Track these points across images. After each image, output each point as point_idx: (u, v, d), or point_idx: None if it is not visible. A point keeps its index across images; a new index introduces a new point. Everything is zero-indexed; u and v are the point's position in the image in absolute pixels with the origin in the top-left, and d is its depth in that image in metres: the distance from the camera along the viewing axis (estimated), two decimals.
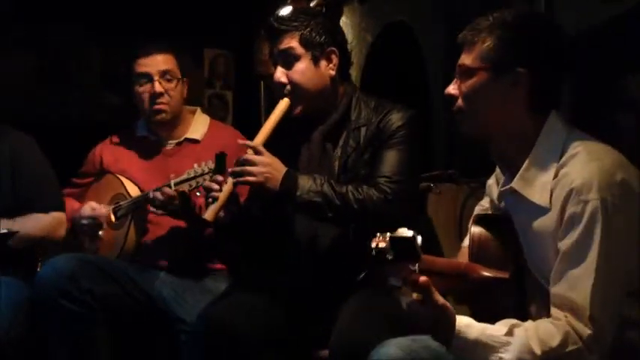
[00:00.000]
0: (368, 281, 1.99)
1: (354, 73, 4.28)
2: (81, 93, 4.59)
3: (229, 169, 2.16)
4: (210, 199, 2.14)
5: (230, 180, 2.15)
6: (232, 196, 2.18)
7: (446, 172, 3.19)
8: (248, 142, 2.19)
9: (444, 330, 1.50)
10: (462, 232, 2.98)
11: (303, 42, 2.23)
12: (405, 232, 1.44)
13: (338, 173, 2.22)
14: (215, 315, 2.16)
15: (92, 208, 2.70)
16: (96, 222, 2.69)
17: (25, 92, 4.34)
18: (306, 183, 2.12)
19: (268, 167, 2.13)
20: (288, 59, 2.23)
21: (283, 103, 2.24)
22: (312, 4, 4.70)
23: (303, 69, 2.23)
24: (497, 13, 1.67)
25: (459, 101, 1.69)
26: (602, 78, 2.50)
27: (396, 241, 1.43)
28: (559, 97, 1.68)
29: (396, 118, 2.20)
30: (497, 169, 1.84)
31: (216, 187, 2.15)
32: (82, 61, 4.62)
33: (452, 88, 1.70)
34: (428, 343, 1.63)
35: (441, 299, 1.48)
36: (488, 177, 1.93)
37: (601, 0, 2.49)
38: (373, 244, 1.46)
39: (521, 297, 1.67)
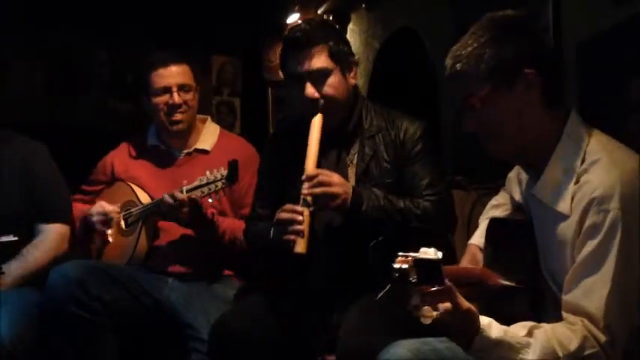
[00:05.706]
0: (387, 300, 1.97)
1: (361, 79, 4.31)
2: (89, 100, 4.61)
3: (302, 196, 2.09)
4: (292, 235, 2.07)
5: (306, 210, 2.09)
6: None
7: (454, 179, 3.18)
8: (309, 173, 2.10)
9: (469, 332, 1.48)
10: (470, 238, 2.97)
11: (333, 55, 2.22)
12: (429, 252, 1.39)
13: (356, 180, 2.23)
14: (222, 321, 2.18)
15: (101, 205, 2.73)
16: (105, 218, 2.71)
17: (34, 99, 4.37)
18: (368, 198, 2.13)
19: (344, 186, 2.11)
20: (320, 76, 2.21)
21: (318, 120, 2.21)
22: (319, 11, 4.72)
23: (334, 83, 2.22)
24: (471, 37, 1.62)
25: (482, 129, 1.65)
26: (613, 80, 2.48)
27: (421, 264, 1.38)
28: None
29: (413, 129, 2.26)
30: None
31: (300, 219, 2.07)
32: (91, 68, 4.65)
33: (469, 127, 1.66)
34: (436, 345, 1.63)
35: (466, 304, 1.45)
36: (496, 183, 1.91)
37: (612, 1, 2.47)
38: (396, 265, 1.40)
39: (534, 304, 1.66)
